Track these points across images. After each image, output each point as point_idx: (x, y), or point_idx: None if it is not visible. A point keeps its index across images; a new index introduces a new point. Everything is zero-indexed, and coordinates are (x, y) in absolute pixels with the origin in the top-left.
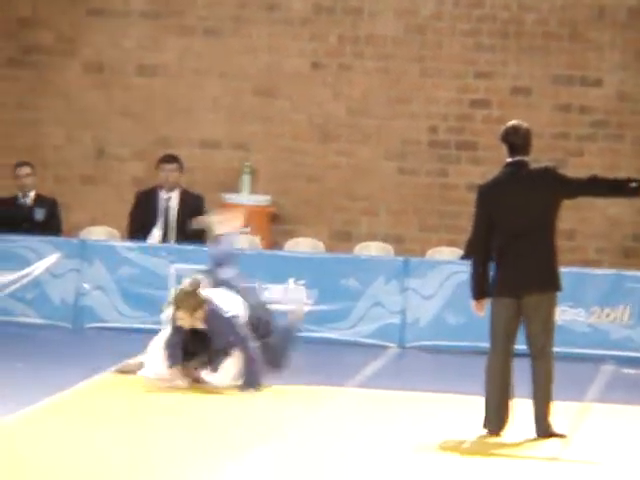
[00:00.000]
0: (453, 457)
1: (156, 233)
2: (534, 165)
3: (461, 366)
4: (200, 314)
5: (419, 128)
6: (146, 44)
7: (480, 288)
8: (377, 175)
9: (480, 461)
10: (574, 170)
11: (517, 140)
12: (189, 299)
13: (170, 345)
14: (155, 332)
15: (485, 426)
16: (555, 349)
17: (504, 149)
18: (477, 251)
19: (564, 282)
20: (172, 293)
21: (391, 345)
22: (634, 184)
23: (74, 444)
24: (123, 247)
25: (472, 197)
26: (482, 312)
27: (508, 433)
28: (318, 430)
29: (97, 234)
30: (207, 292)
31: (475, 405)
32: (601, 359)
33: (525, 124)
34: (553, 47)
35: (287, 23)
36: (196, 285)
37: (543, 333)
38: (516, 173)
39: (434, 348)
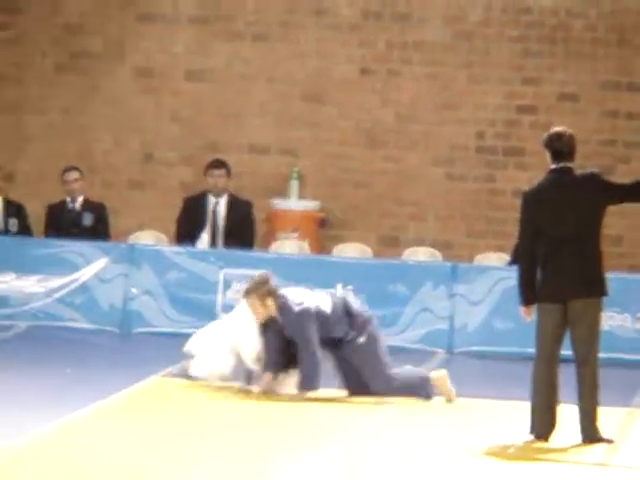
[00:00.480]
0: (500, 463)
1: (204, 238)
2: (579, 171)
3: (509, 372)
4: (271, 303)
5: (467, 134)
6: (195, 49)
7: (528, 294)
8: (425, 181)
9: (527, 466)
10: (622, 177)
11: (561, 146)
12: (258, 287)
13: (272, 350)
14: None
15: (532, 432)
16: (601, 355)
17: (547, 155)
18: (523, 257)
19: (611, 288)
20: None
21: (439, 351)
22: None
23: (123, 449)
24: (171, 252)
25: (519, 203)
26: (530, 318)
27: (555, 439)
28: (367, 436)
29: (145, 239)
30: (282, 289)
31: (523, 410)
32: None
33: (569, 130)
34: (600, 53)
35: (335, 29)
36: (265, 276)
37: (588, 339)
38: (561, 179)
39: (482, 354)
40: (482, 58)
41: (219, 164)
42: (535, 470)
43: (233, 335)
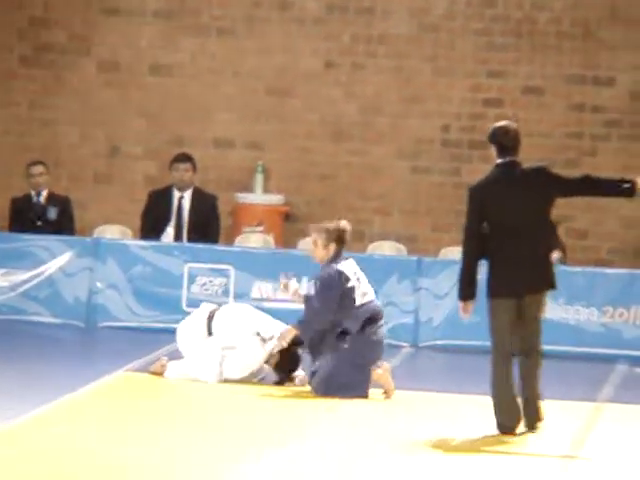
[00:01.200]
0: (464, 456)
1: (169, 232)
2: (526, 165)
3: (474, 365)
4: (332, 249)
5: (432, 127)
6: (160, 44)
7: (469, 289)
8: (390, 174)
9: (489, 459)
10: (588, 170)
11: (507, 141)
12: (331, 230)
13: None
14: (167, 331)
15: (498, 427)
16: (568, 349)
17: (493, 150)
18: (467, 252)
19: (576, 282)
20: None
21: (404, 344)
22: (627, 185)
23: (87, 442)
24: (136, 246)
25: None
26: (468, 314)
27: (518, 432)
28: (331, 431)
29: (110, 233)
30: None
31: (487, 405)
32: (614, 359)
33: (514, 125)
34: (566, 46)
35: (300, 23)
36: (344, 227)
37: (537, 331)
38: (509, 173)
39: (447, 347)
40: (447, 51)
41: (184, 158)
42: (498, 463)
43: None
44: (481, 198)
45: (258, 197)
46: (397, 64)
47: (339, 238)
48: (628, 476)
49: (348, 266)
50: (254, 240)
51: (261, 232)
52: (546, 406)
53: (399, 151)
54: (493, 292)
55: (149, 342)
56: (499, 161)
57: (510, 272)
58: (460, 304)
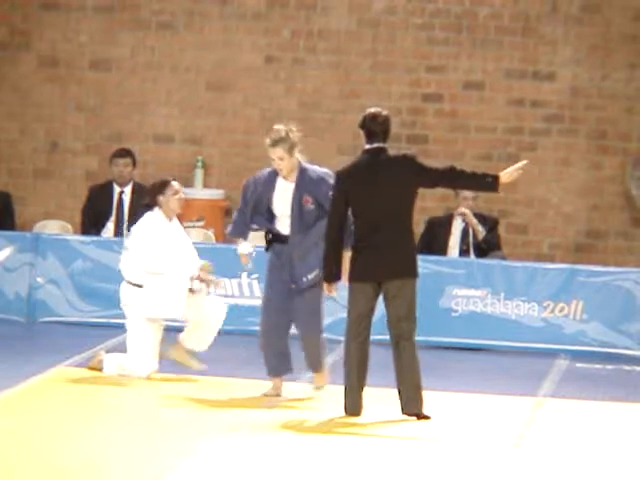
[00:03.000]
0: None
1: (110, 227)
2: (393, 152)
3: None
4: (296, 156)
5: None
6: (100, 38)
7: (333, 270)
8: (329, 169)
9: (427, 447)
10: (528, 165)
11: (375, 127)
12: (286, 139)
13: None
14: (108, 326)
15: (346, 410)
16: (508, 344)
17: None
18: (330, 235)
19: (517, 277)
20: None
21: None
22: (489, 179)
23: (27, 437)
24: (77, 241)
25: (423, 191)
26: (334, 293)
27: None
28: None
29: (51, 228)
30: None
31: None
32: (554, 354)
33: (385, 112)
34: (506, 41)
35: (240, 17)
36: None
37: (408, 316)
38: (375, 160)
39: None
40: (387, 46)
41: (124, 153)
42: (440, 454)
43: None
44: (346, 183)
45: (198, 192)
46: (337, 59)
47: (293, 144)
48: (567, 470)
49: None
50: (195, 235)
51: (202, 227)
52: (487, 400)
53: (338, 146)
54: (352, 276)
55: (90, 337)
56: (366, 147)
57: (370, 259)
58: (325, 285)
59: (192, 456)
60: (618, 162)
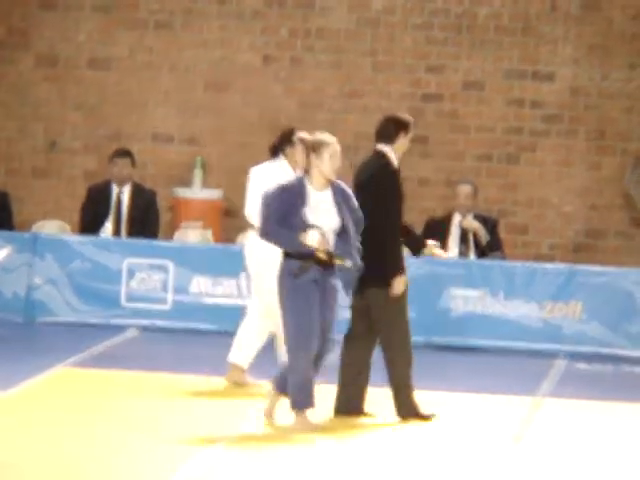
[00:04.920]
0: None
1: (108, 227)
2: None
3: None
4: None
5: (371, 122)
6: (98, 38)
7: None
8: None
9: (428, 451)
10: (527, 165)
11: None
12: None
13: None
14: (107, 326)
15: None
16: (508, 344)
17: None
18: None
19: (516, 277)
20: None
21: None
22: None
23: (26, 439)
24: (75, 241)
25: (423, 191)
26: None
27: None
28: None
29: (49, 228)
30: None
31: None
32: (554, 354)
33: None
34: (505, 41)
35: (238, 17)
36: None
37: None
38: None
39: None
40: (386, 46)
41: (123, 153)
42: (441, 455)
43: None
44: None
45: (197, 192)
46: (336, 59)
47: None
48: (566, 470)
49: None
50: (193, 235)
51: (200, 227)
52: (486, 400)
53: None
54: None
55: (88, 337)
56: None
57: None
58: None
59: (191, 458)
60: (617, 162)
